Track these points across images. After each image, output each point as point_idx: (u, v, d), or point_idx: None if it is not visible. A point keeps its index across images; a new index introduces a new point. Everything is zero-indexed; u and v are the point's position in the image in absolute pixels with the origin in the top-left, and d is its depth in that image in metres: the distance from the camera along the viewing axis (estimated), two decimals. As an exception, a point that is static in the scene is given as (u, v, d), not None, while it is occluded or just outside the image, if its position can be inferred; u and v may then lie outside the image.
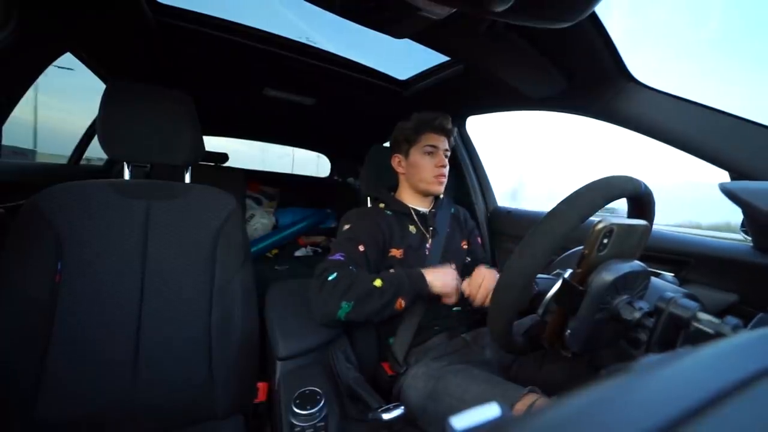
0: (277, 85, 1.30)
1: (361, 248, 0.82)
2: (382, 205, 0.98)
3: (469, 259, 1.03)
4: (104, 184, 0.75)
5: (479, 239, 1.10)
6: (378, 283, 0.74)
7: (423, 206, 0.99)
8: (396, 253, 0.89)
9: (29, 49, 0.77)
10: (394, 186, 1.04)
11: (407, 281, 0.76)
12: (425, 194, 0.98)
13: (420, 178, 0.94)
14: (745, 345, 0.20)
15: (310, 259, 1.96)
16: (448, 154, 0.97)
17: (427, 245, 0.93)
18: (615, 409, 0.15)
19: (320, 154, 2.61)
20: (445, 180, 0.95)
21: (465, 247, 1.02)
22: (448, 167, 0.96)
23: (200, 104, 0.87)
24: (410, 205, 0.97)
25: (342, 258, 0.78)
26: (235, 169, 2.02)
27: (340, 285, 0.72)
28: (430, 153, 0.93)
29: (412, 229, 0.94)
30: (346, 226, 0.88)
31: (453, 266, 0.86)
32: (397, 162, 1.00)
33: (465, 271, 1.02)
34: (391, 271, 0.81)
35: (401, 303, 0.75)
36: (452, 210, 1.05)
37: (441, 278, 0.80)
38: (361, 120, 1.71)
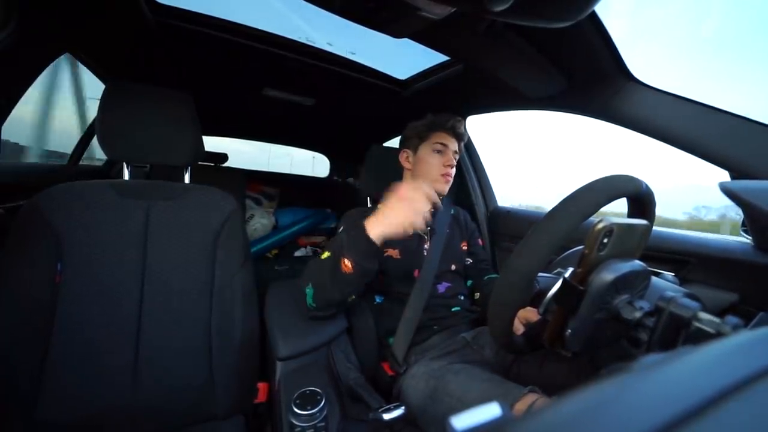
0: (277, 85, 1.30)
1: None
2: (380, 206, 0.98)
3: (470, 260, 1.03)
4: (104, 185, 0.75)
5: (480, 240, 1.09)
6: (325, 255, 0.74)
7: None
8: (392, 253, 0.89)
9: (29, 50, 0.77)
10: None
11: (345, 239, 0.71)
12: None
13: (426, 174, 0.94)
14: (745, 344, 0.20)
15: (309, 260, 1.96)
16: (457, 156, 0.96)
17: (426, 246, 0.93)
18: (615, 409, 0.15)
19: (316, 154, 2.61)
20: (450, 180, 0.95)
21: (465, 248, 1.02)
22: (454, 170, 0.96)
23: (200, 104, 0.87)
24: None
25: None
26: (234, 170, 2.02)
27: (304, 276, 0.75)
28: (439, 151, 0.93)
29: None
30: (341, 229, 0.88)
31: (423, 186, 0.71)
32: (405, 157, 1.00)
33: (466, 273, 1.02)
34: None
35: (347, 264, 0.68)
36: (452, 211, 1.05)
37: (389, 218, 0.68)
38: (361, 120, 1.71)
